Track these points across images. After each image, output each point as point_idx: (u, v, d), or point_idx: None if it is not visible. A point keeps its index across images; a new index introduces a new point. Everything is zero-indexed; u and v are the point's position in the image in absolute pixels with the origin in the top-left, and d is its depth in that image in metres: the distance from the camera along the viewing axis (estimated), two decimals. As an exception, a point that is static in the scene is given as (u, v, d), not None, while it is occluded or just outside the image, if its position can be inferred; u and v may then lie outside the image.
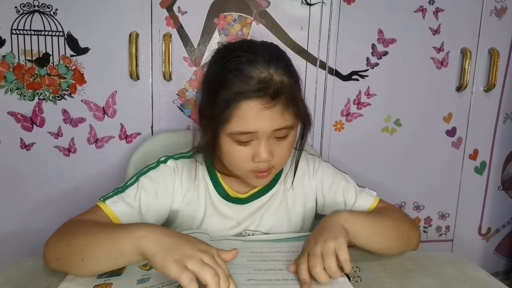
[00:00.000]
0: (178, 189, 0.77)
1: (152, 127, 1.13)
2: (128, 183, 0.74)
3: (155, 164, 0.78)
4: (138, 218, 0.72)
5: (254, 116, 0.64)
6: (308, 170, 0.84)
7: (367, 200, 0.82)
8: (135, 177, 0.75)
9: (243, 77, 0.64)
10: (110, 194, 0.72)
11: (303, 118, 0.71)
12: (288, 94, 0.66)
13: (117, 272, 0.60)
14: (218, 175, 0.79)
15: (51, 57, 1.05)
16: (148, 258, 0.53)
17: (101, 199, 0.71)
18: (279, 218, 0.81)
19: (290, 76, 0.67)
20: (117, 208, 0.70)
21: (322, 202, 0.84)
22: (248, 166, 0.70)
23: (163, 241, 0.53)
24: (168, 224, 0.81)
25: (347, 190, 0.83)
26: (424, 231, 1.34)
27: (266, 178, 0.73)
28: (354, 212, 0.71)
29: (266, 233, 0.81)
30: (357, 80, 1.21)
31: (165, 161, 0.78)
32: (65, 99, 1.07)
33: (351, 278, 0.62)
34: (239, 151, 0.68)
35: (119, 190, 0.73)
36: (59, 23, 1.04)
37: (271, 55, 0.66)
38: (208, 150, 0.74)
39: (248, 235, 0.80)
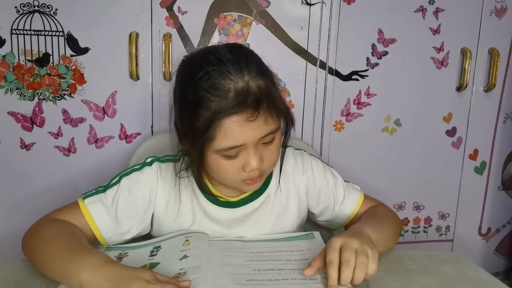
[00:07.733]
0: (160, 193, 0.75)
1: (152, 127, 1.13)
2: (111, 182, 0.73)
3: (140, 165, 0.76)
4: (114, 222, 0.71)
5: (238, 130, 0.62)
6: (297, 165, 0.83)
7: (355, 196, 0.83)
8: (118, 177, 0.74)
9: (219, 92, 0.61)
10: (92, 192, 0.72)
11: (285, 116, 0.70)
12: (268, 99, 0.64)
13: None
14: (206, 179, 0.77)
15: (51, 57, 1.05)
16: None
17: (82, 196, 0.71)
18: (275, 221, 0.80)
19: (264, 77, 0.65)
20: (94, 208, 0.69)
21: (312, 198, 0.83)
22: (240, 176, 0.68)
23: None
24: (154, 233, 0.78)
25: (335, 186, 0.83)
26: (424, 231, 1.34)
27: (259, 182, 0.72)
28: (371, 225, 0.70)
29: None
30: (357, 80, 1.21)
31: (150, 163, 0.76)
32: (65, 99, 1.07)
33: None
34: (229, 165, 0.67)
35: (101, 189, 0.72)
36: (59, 23, 1.04)
37: (239, 59, 0.63)
38: (195, 168, 0.73)
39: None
